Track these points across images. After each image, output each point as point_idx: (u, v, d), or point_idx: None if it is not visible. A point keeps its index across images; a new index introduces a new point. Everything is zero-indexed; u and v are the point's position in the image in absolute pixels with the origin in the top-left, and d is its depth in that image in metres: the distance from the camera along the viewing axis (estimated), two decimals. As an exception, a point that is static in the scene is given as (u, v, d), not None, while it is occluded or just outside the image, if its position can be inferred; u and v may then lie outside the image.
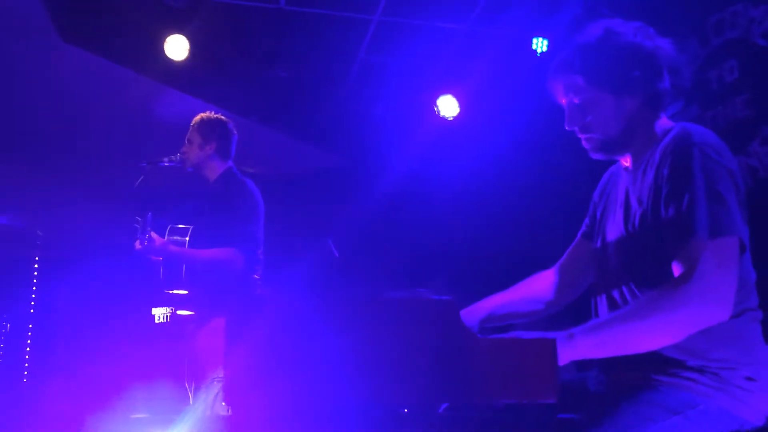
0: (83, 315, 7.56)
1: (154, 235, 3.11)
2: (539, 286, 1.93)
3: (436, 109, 5.22)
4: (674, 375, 1.48)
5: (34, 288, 7.57)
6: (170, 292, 3.25)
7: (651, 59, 1.66)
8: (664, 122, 1.71)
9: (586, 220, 1.92)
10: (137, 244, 3.12)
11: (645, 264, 1.57)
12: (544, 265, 2.00)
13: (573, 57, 1.70)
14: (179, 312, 3.39)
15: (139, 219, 3.14)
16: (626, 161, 1.75)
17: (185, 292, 3.21)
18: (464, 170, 5.24)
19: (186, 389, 3.26)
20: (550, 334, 1.36)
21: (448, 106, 5.21)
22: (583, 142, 1.74)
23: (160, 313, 6.89)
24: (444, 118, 5.25)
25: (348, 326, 1.25)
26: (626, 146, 1.71)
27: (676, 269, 1.46)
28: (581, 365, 1.59)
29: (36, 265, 7.60)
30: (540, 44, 4.65)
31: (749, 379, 1.49)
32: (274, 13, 4.59)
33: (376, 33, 4.84)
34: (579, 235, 1.94)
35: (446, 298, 1.28)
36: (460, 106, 5.22)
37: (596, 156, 1.75)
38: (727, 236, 1.45)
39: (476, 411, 1.32)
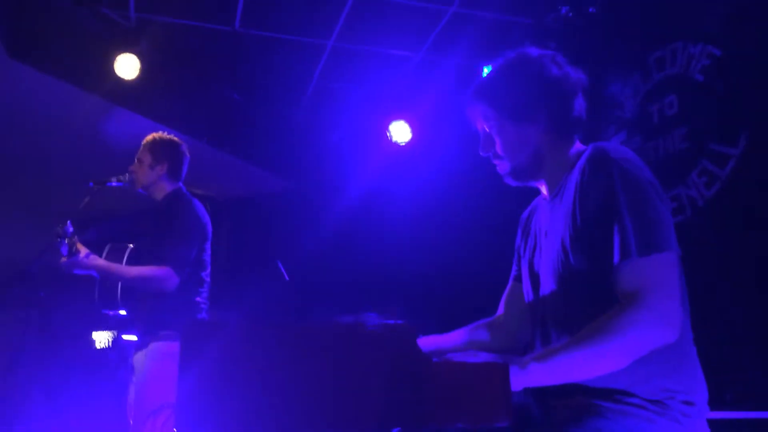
0: (21, 338, 7.28)
1: (80, 246, 3.01)
2: (490, 338, 1.91)
3: (388, 134, 5.27)
4: (619, 402, 1.48)
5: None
6: (108, 313, 3.15)
7: (557, 87, 1.67)
8: (577, 146, 1.72)
9: (514, 264, 1.92)
10: (61, 259, 3.01)
11: (581, 292, 1.56)
12: (497, 287, 2.00)
13: (483, 85, 1.74)
14: (124, 337, 3.29)
15: (59, 229, 3.00)
16: (543, 189, 1.77)
17: (122, 312, 3.11)
18: (416, 195, 5.29)
19: (128, 416, 3.17)
20: (503, 358, 1.37)
21: (400, 132, 5.27)
22: (497, 168, 1.76)
23: (101, 338, 6.70)
24: (396, 144, 5.30)
25: (300, 351, 1.24)
26: (537, 173, 1.73)
27: (620, 293, 1.45)
28: (527, 390, 1.60)
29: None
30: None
31: (688, 403, 1.50)
32: (228, 35, 4.58)
33: (331, 58, 4.88)
34: (510, 279, 1.93)
35: (399, 322, 1.29)
36: (413, 131, 5.29)
37: (509, 181, 1.77)
38: (660, 252, 1.44)
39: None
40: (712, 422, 1.61)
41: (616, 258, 1.45)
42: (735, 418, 2.62)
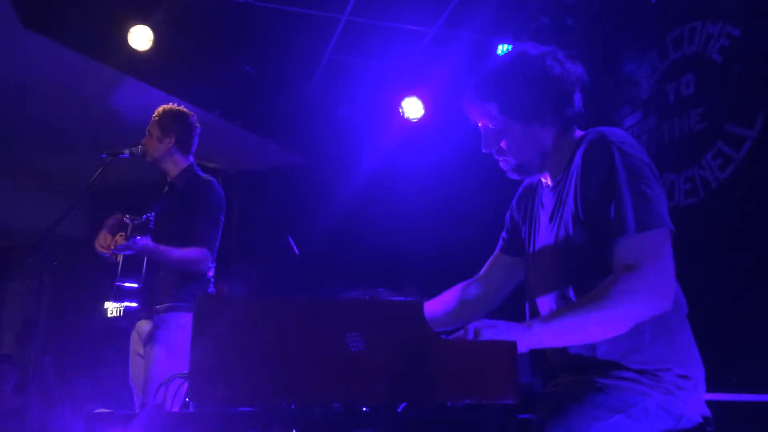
0: (34, 308, 7.38)
1: (140, 238, 3.05)
2: (460, 301, 1.99)
3: (401, 110, 5.25)
4: (615, 377, 1.55)
5: (-16, 279, 7.37)
6: (123, 285, 3.18)
7: (559, 85, 1.72)
8: (576, 133, 1.77)
9: (504, 234, 1.98)
10: (117, 242, 3.04)
11: (583, 269, 1.63)
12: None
13: (486, 83, 1.76)
14: (121, 304, 3.32)
15: (144, 218, 3.09)
16: (547, 179, 1.81)
17: (135, 285, 3.15)
18: (428, 171, 5.27)
19: (132, 386, 3.21)
20: (509, 324, 1.42)
21: (412, 108, 5.25)
22: (500, 164, 1.80)
23: (113, 308, 6.78)
24: (408, 120, 5.28)
25: (310, 326, 1.26)
26: (541, 167, 1.78)
27: (615, 268, 1.53)
28: (534, 370, 1.64)
29: (-14, 256, 7.40)
30: (505, 51, 4.70)
31: (683, 377, 1.57)
32: (243, 7, 4.55)
33: (344, 32, 4.85)
34: (497, 249, 2.00)
35: (409, 298, 1.30)
36: (425, 108, 5.26)
37: (513, 176, 1.82)
38: (656, 229, 1.52)
39: (435, 411, 1.34)
40: (718, 404, 1.63)
41: (614, 233, 1.53)
42: (742, 401, 2.63)
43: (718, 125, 3.47)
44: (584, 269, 1.62)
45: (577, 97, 1.75)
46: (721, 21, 3.53)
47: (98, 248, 3.11)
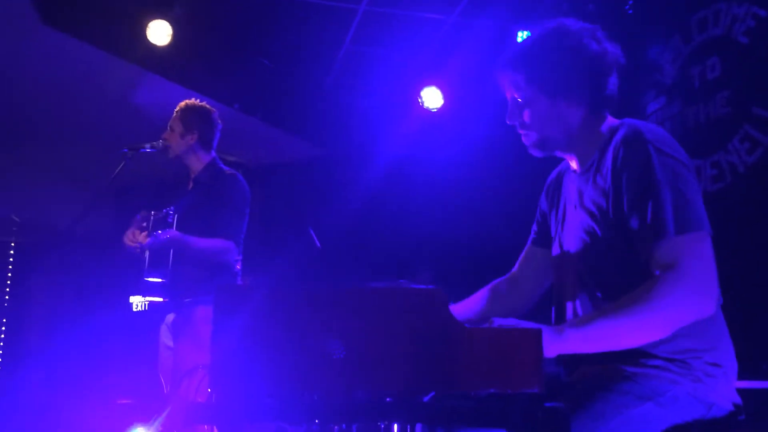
0: (60, 302, 7.48)
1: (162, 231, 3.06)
2: (497, 298, 1.93)
3: (420, 100, 5.22)
4: (644, 365, 1.51)
5: (10, 274, 7.48)
6: (148, 279, 3.21)
7: (594, 64, 1.65)
8: (609, 121, 1.70)
9: (534, 227, 1.93)
10: (142, 237, 3.07)
11: (611, 269, 1.58)
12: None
13: (517, 53, 1.71)
14: (148, 298, 3.35)
15: (168, 211, 3.13)
16: (573, 162, 1.75)
17: (161, 280, 3.18)
18: (448, 162, 5.24)
19: (161, 378, 3.24)
20: (536, 326, 1.36)
21: (432, 98, 5.21)
22: (522, 138, 1.75)
23: (138, 302, 6.84)
24: (428, 110, 5.24)
25: (333, 315, 1.25)
26: (565, 146, 1.72)
27: (656, 267, 1.46)
28: (559, 359, 1.60)
29: (12, 252, 7.51)
30: (525, 37, 4.66)
31: (714, 365, 1.53)
32: (260, 0, 4.55)
33: (362, 23, 4.82)
34: (529, 242, 1.94)
35: (432, 287, 1.28)
36: (445, 97, 5.22)
37: (534, 152, 1.76)
38: (697, 231, 1.46)
39: (460, 400, 1.33)
40: (749, 391, 1.60)
41: (652, 236, 1.47)
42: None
43: (745, 108, 3.40)
44: (612, 269, 1.58)
45: (613, 81, 1.68)
46: (746, 2, 3.45)
47: (127, 242, 3.15)
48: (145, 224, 3.15)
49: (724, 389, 1.55)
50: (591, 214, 1.62)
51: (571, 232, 1.71)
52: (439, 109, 5.25)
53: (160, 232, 3.03)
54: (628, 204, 1.52)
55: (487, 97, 4.96)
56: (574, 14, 4.14)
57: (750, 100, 3.38)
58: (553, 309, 1.78)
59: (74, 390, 5.99)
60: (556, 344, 1.39)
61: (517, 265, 1.96)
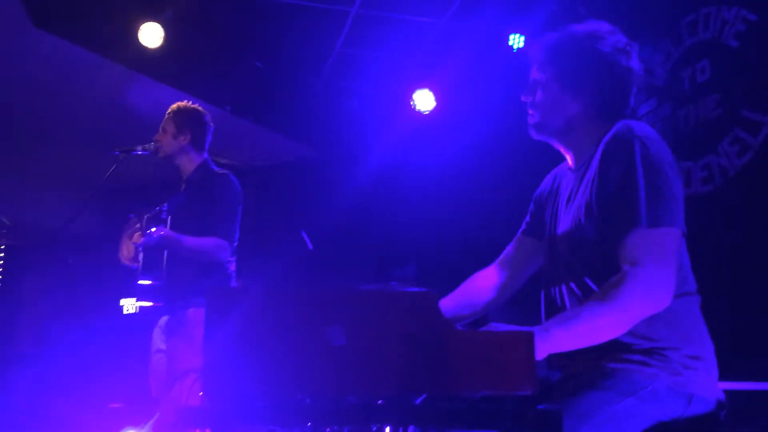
0: (50, 304, 7.44)
1: (155, 230, 3.05)
2: (481, 287, 1.97)
3: (412, 103, 5.22)
4: (624, 360, 1.55)
5: (0, 277, 7.43)
6: (145, 282, 3.20)
7: (615, 77, 1.73)
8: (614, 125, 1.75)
9: (527, 218, 1.97)
10: (135, 237, 3.07)
11: (595, 258, 1.62)
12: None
13: (554, 43, 1.79)
14: (140, 303, 3.34)
15: (158, 210, 3.11)
16: (568, 159, 1.82)
17: (149, 282, 3.16)
18: (439, 164, 5.25)
19: (151, 382, 3.22)
20: (526, 328, 1.37)
21: (424, 100, 5.22)
22: (528, 117, 1.82)
23: (129, 305, 6.82)
24: (420, 112, 5.25)
25: (325, 317, 1.25)
26: (561, 137, 1.79)
27: (622, 261, 1.52)
28: (551, 364, 1.62)
29: (2, 254, 7.46)
30: (516, 41, 4.67)
31: (693, 357, 1.56)
32: (252, 2, 4.54)
33: (354, 25, 4.82)
34: (519, 232, 1.99)
35: (424, 289, 1.28)
36: (437, 100, 5.23)
37: (532, 133, 1.83)
38: (666, 227, 1.52)
39: (453, 402, 1.33)
40: (737, 393, 1.61)
41: (625, 226, 1.52)
42: (760, 390, 2.60)
43: (736, 111, 3.42)
44: (596, 261, 1.62)
45: (630, 100, 1.75)
46: (736, 5, 3.47)
47: (123, 261, 3.16)
48: (138, 225, 3.14)
49: (704, 382, 1.57)
50: (578, 208, 1.67)
51: (563, 223, 1.75)
52: (431, 112, 5.26)
53: (153, 229, 3.01)
54: (610, 195, 1.58)
55: (479, 100, 4.98)
56: (565, 16, 4.17)
57: (740, 103, 3.40)
58: (542, 295, 1.82)
59: (65, 393, 5.96)
60: (545, 344, 1.41)
61: (502, 255, 2.01)
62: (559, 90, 1.75)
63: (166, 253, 3.11)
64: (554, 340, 1.43)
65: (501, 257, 2.01)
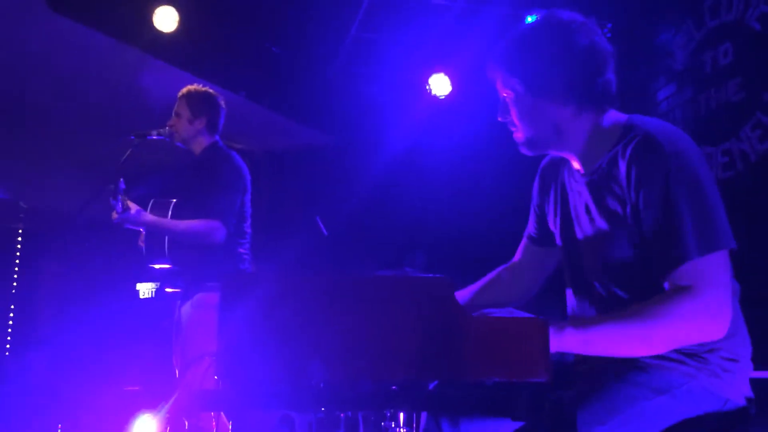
0: (67, 288, 7.52)
1: (129, 203, 3.05)
2: (498, 287, 1.91)
3: (428, 87, 5.18)
4: (660, 357, 1.50)
5: (17, 261, 7.52)
6: (154, 266, 3.21)
7: (582, 60, 1.55)
8: (612, 116, 1.62)
9: (533, 223, 1.87)
10: (113, 215, 3.07)
11: (626, 271, 1.55)
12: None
13: (501, 48, 1.64)
14: (167, 289, 3.36)
15: (111, 186, 3.06)
16: (574, 163, 1.68)
17: (168, 266, 3.17)
18: (456, 148, 5.22)
19: (173, 364, 3.25)
20: (541, 317, 1.35)
21: (440, 85, 5.18)
22: (513, 136, 1.69)
23: (145, 289, 6.87)
24: (436, 97, 5.21)
25: (339, 303, 1.24)
26: (556, 144, 1.65)
27: (672, 286, 1.44)
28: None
29: (19, 238, 7.54)
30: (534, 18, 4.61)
31: (730, 359, 1.52)
32: (267, -14, 4.52)
33: (369, 10, 4.79)
34: (525, 237, 1.90)
35: (439, 275, 1.27)
36: (453, 84, 5.19)
37: (524, 151, 1.69)
38: (717, 251, 1.43)
39: (466, 388, 1.32)
40: (760, 381, 1.59)
41: (673, 257, 1.43)
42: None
43: (758, 95, 3.35)
44: (627, 274, 1.55)
45: (605, 78, 1.58)
46: (760, -13, 3.40)
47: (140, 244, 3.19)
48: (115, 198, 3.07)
49: (739, 384, 1.53)
50: (608, 219, 1.57)
51: (584, 232, 1.65)
52: (447, 96, 5.22)
53: (133, 212, 3.00)
54: (647, 222, 1.47)
55: (495, 84, 4.92)
56: None
57: (762, 87, 3.33)
58: (567, 293, 1.75)
59: (82, 376, 6.03)
60: (554, 341, 1.36)
61: (516, 256, 1.93)
62: (532, 99, 1.59)
63: (166, 237, 3.12)
64: (565, 340, 1.39)
65: (516, 257, 1.93)
